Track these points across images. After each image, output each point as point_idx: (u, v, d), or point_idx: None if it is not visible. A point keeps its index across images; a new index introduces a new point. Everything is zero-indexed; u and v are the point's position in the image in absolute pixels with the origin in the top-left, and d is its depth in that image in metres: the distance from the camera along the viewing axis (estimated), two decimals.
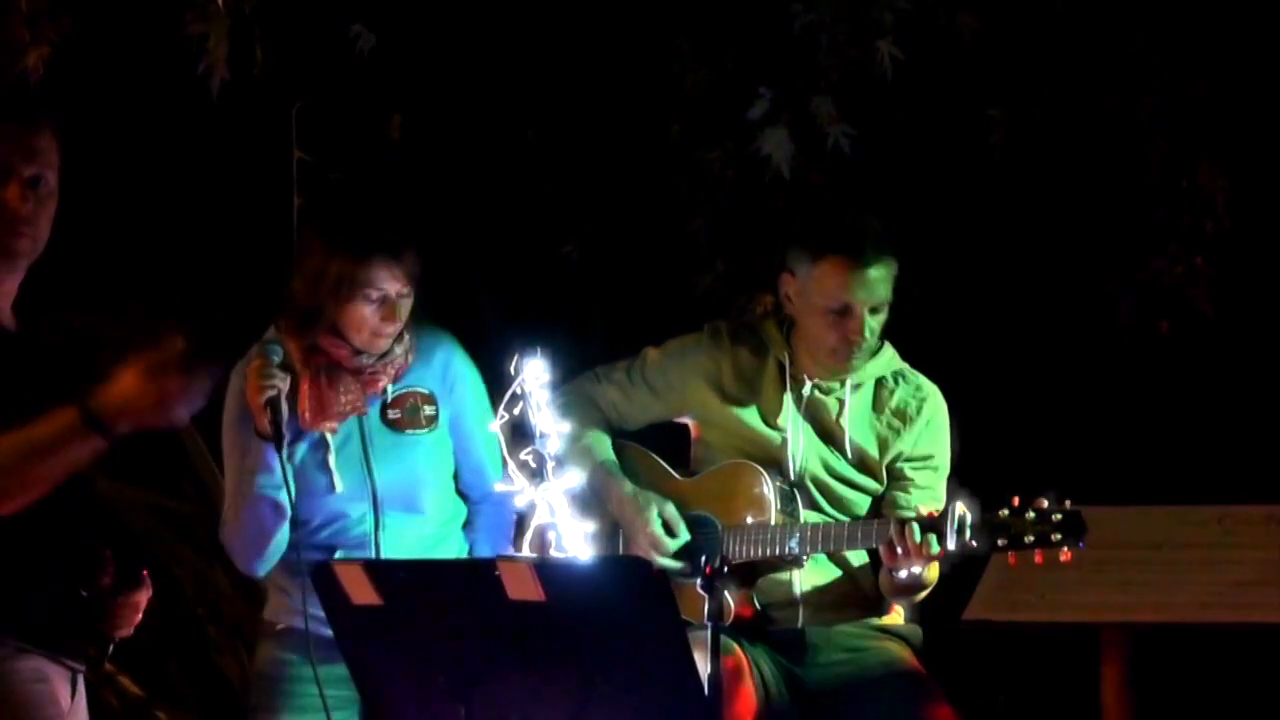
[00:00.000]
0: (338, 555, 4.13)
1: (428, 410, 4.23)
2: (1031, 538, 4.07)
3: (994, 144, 5.36)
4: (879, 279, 4.29)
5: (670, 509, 4.40)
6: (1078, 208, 5.55)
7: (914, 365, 4.50)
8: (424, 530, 4.23)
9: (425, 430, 4.23)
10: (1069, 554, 4.07)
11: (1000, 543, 4.10)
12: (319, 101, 5.57)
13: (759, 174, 5.32)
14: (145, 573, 3.54)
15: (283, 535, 4.11)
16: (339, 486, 4.14)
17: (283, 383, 4.05)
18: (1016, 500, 4.10)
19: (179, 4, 5.23)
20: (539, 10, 5.51)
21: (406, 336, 4.21)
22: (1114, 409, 5.70)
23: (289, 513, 4.06)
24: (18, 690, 3.33)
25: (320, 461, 4.16)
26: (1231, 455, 5.50)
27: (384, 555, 4.14)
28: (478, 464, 4.28)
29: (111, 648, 3.53)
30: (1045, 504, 4.08)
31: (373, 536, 4.17)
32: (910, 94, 5.31)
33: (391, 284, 4.09)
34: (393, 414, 4.21)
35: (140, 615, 3.55)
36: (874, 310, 4.31)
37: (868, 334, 4.31)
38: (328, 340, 4.13)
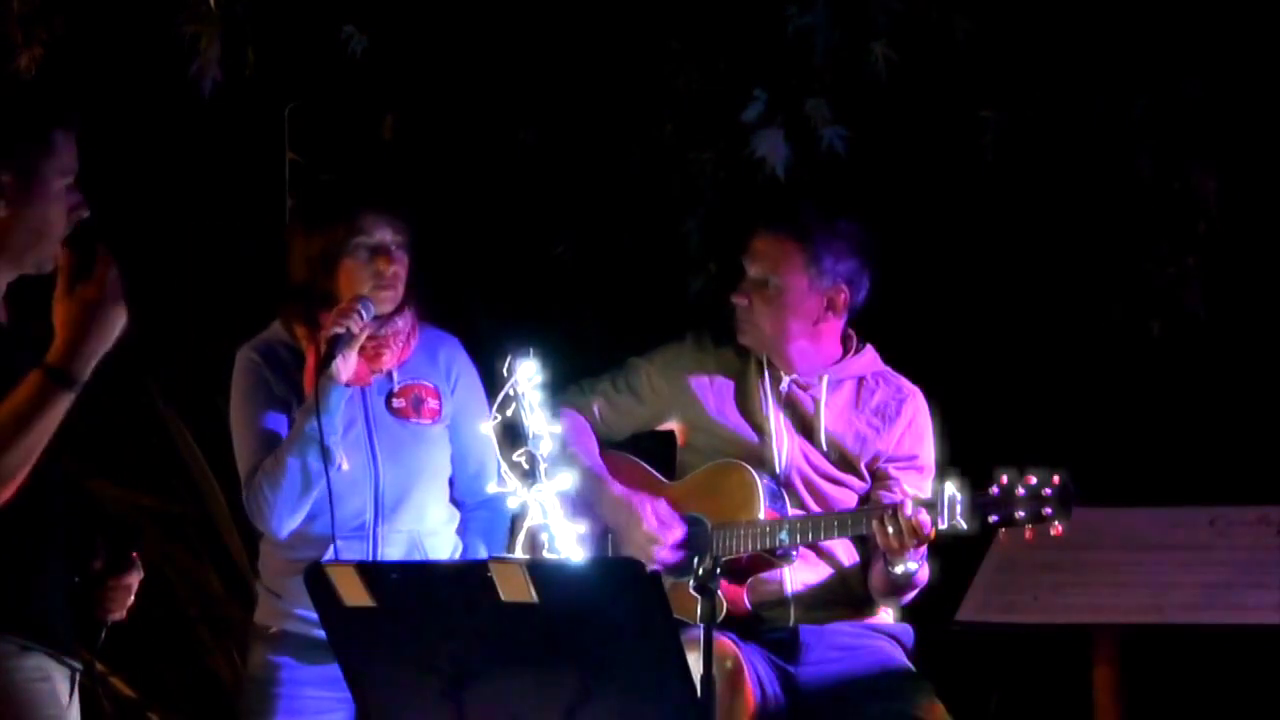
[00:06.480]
0: (335, 549, 4.14)
1: (431, 403, 4.25)
2: (1023, 513, 4.07)
3: (986, 145, 5.35)
4: (764, 252, 4.39)
5: (663, 505, 4.40)
6: (1069, 208, 5.54)
7: (905, 365, 4.51)
8: (420, 527, 4.23)
9: (429, 423, 4.24)
10: (1060, 529, 4.07)
11: (992, 519, 4.09)
12: (311, 102, 5.57)
13: (751, 175, 5.32)
14: (135, 555, 3.53)
15: (316, 493, 4.10)
16: (344, 464, 4.13)
17: (357, 329, 4.06)
18: (1005, 478, 4.09)
19: (171, 5, 5.23)
20: (531, 11, 5.50)
21: (408, 313, 4.22)
22: (1105, 410, 5.69)
23: (335, 459, 4.06)
24: (22, 689, 3.32)
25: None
26: (1223, 456, 5.49)
27: (381, 550, 4.15)
28: (476, 467, 4.28)
29: (104, 634, 3.52)
30: (1034, 479, 4.07)
31: (371, 529, 4.17)
32: (904, 95, 5.31)
33: (382, 230, 4.14)
34: (398, 403, 4.23)
35: (132, 598, 3.54)
36: (758, 284, 4.38)
37: (743, 302, 4.39)
38: (328, 317, 4.13)
